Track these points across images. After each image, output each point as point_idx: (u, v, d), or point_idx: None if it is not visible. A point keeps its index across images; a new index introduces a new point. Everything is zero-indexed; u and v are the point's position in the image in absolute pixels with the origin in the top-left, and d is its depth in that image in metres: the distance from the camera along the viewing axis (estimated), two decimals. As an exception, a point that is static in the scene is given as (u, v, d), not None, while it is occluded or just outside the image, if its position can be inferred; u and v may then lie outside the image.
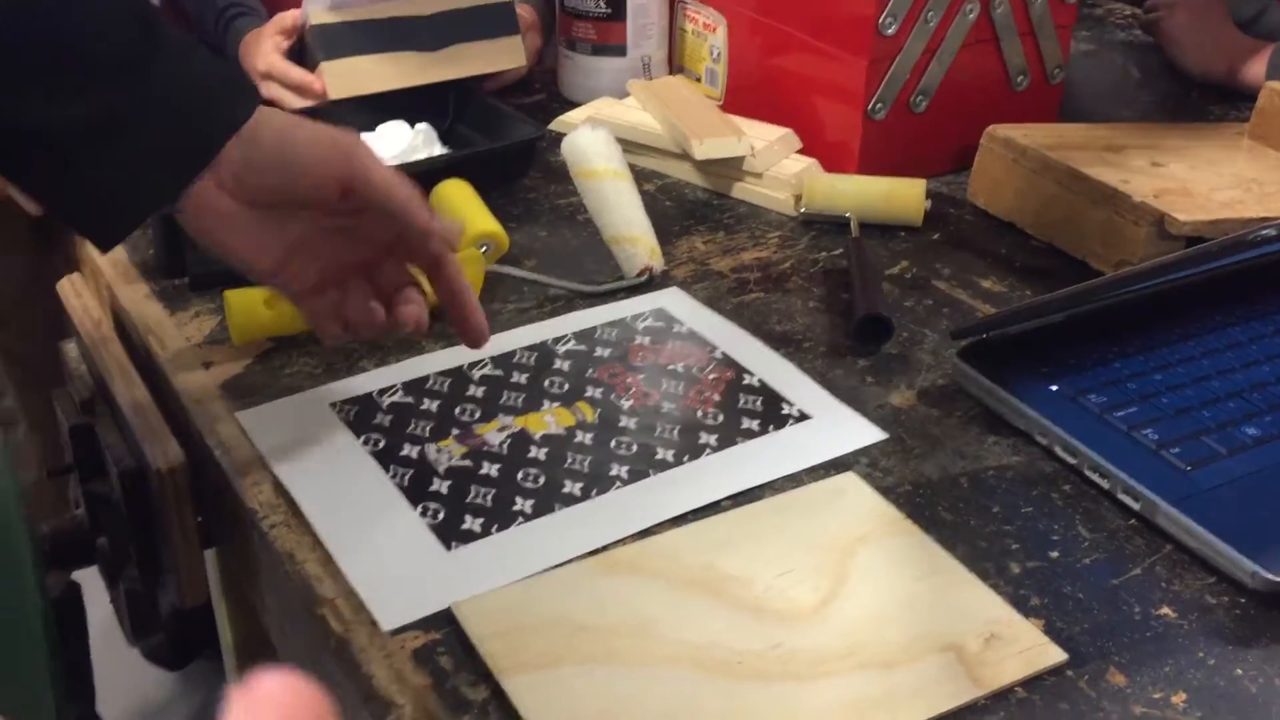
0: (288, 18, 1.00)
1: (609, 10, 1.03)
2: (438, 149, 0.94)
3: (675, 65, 1.09)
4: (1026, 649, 0.52)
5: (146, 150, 0.54)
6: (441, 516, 0.59)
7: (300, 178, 0.57)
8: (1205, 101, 1.13)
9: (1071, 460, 0.63)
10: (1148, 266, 0.72)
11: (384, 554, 0.57)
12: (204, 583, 0.68)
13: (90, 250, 0.82)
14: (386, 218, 0.59)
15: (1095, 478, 0.62)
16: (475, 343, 0.62)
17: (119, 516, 0.67)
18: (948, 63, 0.92)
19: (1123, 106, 1.13)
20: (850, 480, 0.62)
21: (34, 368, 1.16)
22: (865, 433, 0.66)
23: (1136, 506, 0.60)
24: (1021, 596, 0.55)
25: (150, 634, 0.75)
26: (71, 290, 0.78)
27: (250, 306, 0.71)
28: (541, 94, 1.12)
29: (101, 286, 0.80)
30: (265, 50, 0.99)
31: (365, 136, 0.94)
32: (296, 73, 0.98)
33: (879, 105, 0.90)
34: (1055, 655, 0.52)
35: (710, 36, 1.03)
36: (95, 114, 0.52)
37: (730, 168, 0.92)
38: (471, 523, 0.59)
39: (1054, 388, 0.67)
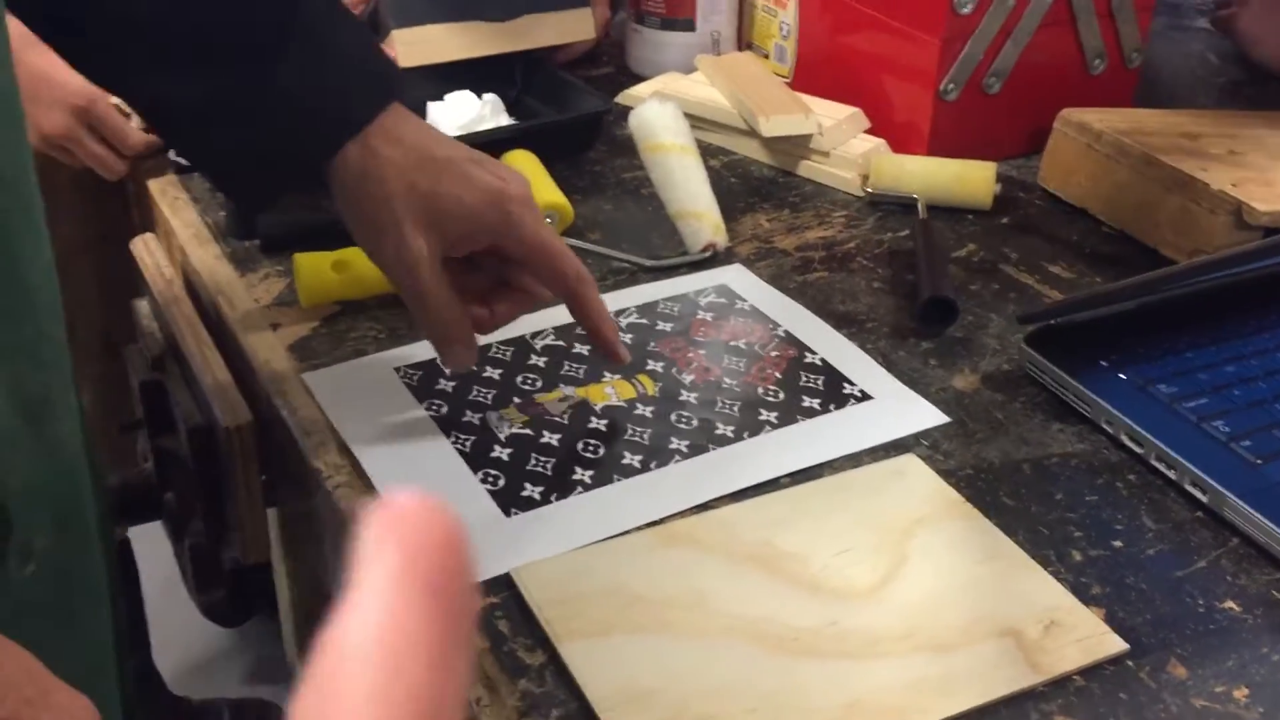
0: None
1: (679, -16, 1.03)
2: (504, 119, 0.95)
3: (744, 41, 1.09)
4: (1086, 637, 0.52)
5: (268, 137, 0.55)
6: (502, 483, 0.60)
7: (448, 222, 0.56)
8: (1287, 90, 1.10)
9: (1138, 449, 0.62)
10: (1224, 255, 0.70)
11: (444, 518, 0.57)
12: (266, 541, 0.69)
13: (164, 211, 0.83)
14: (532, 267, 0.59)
15: (1162, 468, 0.61)
16: (620, 361, 0.64)
17: (186, 472, 0.69)
18: (1023, 43, 0.90)
19: (1200, 93, 1.10)
20: (911, 462, 0.62)
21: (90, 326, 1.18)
22: (927, 415, 0.65)
23: (1204, 498, 0.59)
24: (1083, 585, 0.55)
25: (212, 589, 0.76)
26: (145, 249, 0.79)
27: (319, 270, 0.72)
28: (609, 67, 1.12)
29: (174, 247, 0.81)
30: None
31: (432, 105, 0.94)
32: None
33: (951, 86, 0.89)
34: (1116, 645, 0.51)
35: (780, 13, 1.03)
36: (223, 95, 0.54)
37: (797, 145, 0.91)
38: (531, 490, 0.59)
39: (1122, 376, 0.66)
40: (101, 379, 1.21)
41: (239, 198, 0.59)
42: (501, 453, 0.62)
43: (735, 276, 0.78)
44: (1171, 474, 0.60)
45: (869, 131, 0.93)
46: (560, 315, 0.72)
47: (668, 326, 0.72)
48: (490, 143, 0.86)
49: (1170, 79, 1.13)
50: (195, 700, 1.42)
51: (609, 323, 0.63)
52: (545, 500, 0.59)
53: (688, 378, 0.68)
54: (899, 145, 0.92)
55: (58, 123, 0.98)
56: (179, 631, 1.54)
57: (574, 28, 1.02)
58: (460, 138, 0.90)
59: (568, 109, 0.95)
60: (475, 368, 0.68)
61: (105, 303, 1.17)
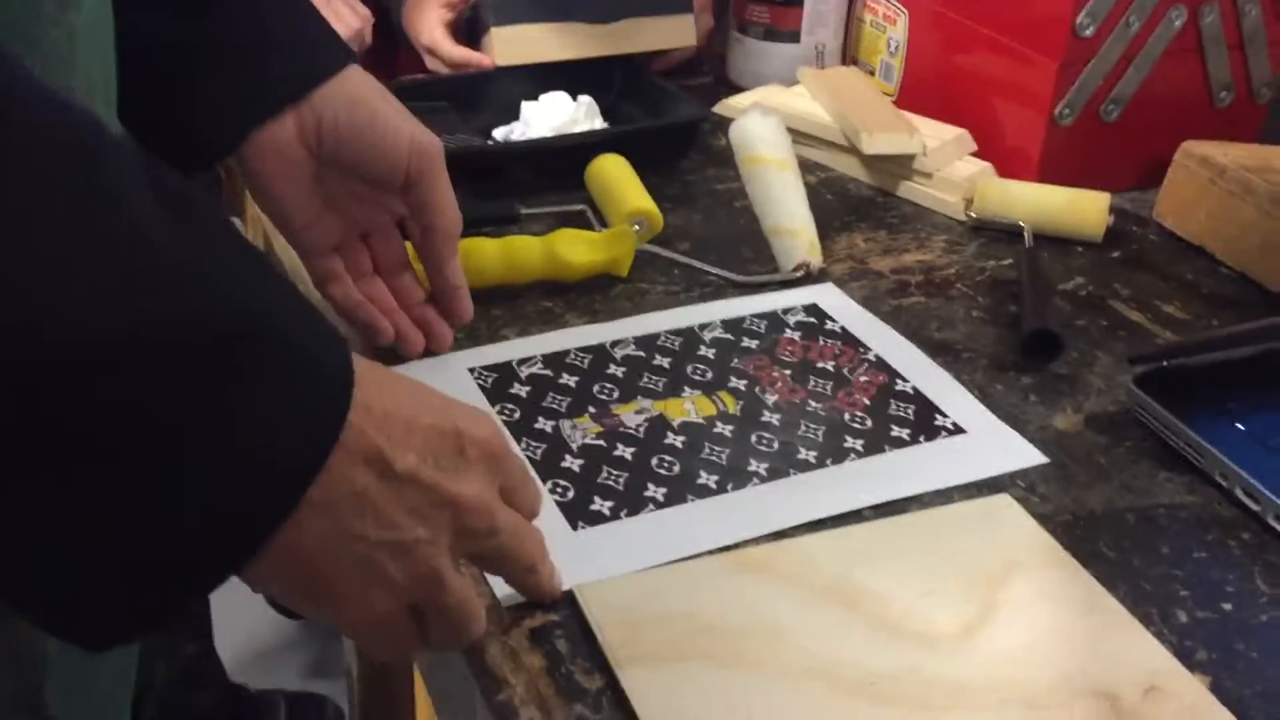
0: None
1: (786, -5, 1.00)
2: (598, 123, 0.93)
3: (849, 56, 1.05)
4: (1190, 705, 0.47)
5: (239, 79, 0.58)
6: (571, 495, 0.57)
7: (378, 159, 0.61)
8: None
9: (1254, 506, 0.58)
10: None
11: (509, 527, 0.55)
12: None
13: (249, 199, 0.82)
14: (422, 215, 0.64)
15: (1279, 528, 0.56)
16: (459, 318, 0.67)
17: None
18: (1146, 71, 0.86)
19: (1331, 135, 1.04)
20: (1005, 503, 0.58)
21: None
22: (1024, 454, 0.62)
23: (1326, 565, 0.54)
24: (1187, 648, 0.51)
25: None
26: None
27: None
28: (709, 77, 1.09)
29: (259, 233, 0.80)
30: (430, 22, 0.99)
31: (526, 105, 0.93)
32: (459, 53, 0.97)
33: (1066, 111, 0.85)
34: (1222, 716, 0.47)
35: (889, 29, 0.99)
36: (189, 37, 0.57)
37: (899, 165, 0.88)
38: (601, 504, 0.57)
39: (1240, 426, 0.61)
40: None
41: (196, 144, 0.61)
42: (573, 463, 0.59)
43: (827, 296, 0.75)
44: (1291, 535, 0.56)
45: (976, 155, 0.89)
46: (641, 326, 0.70)
47: (753, 344, 0.69)
48: (582, 146, 0.85)
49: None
50: (253, 689, 1.42)
51: (464, 291, 0.66)
52: (615, 516, 0.56)
53: (771, 398, 0.65)
54: (1007, 171, 0.88)
55: None
56: (242, 619, 1.54)
57: (675, 34, 0.99)
58: (554, 139, 0.88)
59: (664, 116, 0.93)
60: (551, 373, 0.65)
61: None
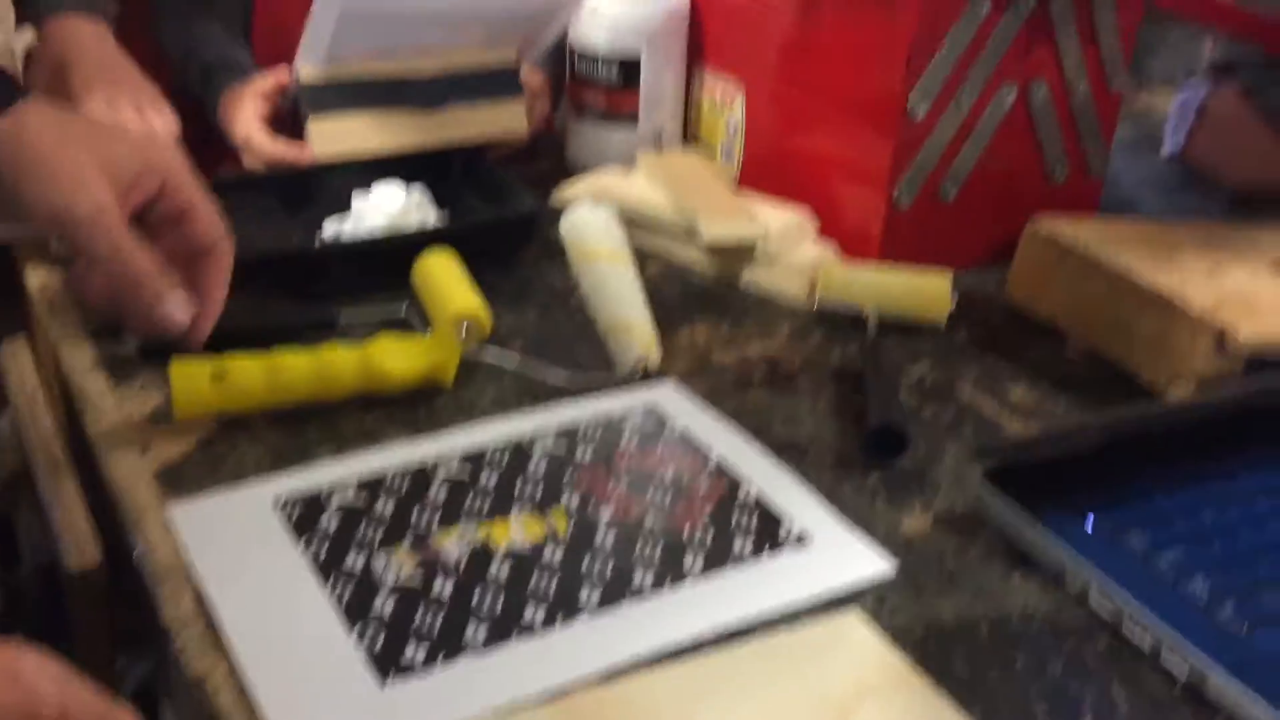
0: (267, 81, 0.94)
1: (622, 79, 0.97)
2: (431, 215, 0.88)
3: (691, 136, 1.03)
4: None
5: None
6: (380, 643, 0.51)
7: (121, 161, 0.56)
8: (1257, 209, 1.06)
9: (1109, 608, 0.55)
10: (1204, 403, 0.64)
11: (310, 687, 0.49)
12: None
13: (40, 309, 0.76)
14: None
15: (1135, 634, 0.54)
16: (195, 338, 0.59)
17: (33, 612, 0.60)
18: (980, 149, 0.85)
19: (1167, 205, 1.05)
20: (852, 624, 0.54)
21: None
22: (871, 563, 0.58)
23: (1184, 673, 0.52)
24: (1047, 778, 0.47)
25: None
26: (11, 357, 0.71)
27: (195, 379, 0.64)
28: (547, 161, 1.06)
29: (46, 351, 0.73)
30: (245, 116, 0.93)
31: (357, 197, 0.88)
32: (275, 148, 0.92)
33: (904, 191, 0.83)
34: None
35: (728, 109, 0.97)
36: None
37: (740, 253, 0.85)
38: (414, 652, 0.51)
39: (1090, 521, 0.59)
40: None
41: None
42: (384, 604, 0.54)
43: (666, 397, 0.71)
44: (1146, 641, 0.53)
45: (821, 235, 0.87)
46: (468, 441, 0.65)
47: (587, 455, 0.65)
48: (406, 245, 0.80)
49: (1135, 185, 1.08)
50: None
51: (219, 300, 0.60)
52: (430, 661, 0.51)
53: (605, 515, 0.60)
54: (850, 251, 0.86)
55: None
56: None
57: (505, 120, 0.96)
58: (370, 241, 0.83)
59: (504, 206, 0.89)
60: (365, 501, 0.60)
61: None
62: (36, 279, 0.78)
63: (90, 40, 0.93)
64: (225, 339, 0.67)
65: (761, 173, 0.95)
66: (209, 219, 0.59)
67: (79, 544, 0.56)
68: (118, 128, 0.58)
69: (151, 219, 0.58)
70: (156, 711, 0.75)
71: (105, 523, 0.61)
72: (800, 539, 0.59)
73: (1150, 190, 1.08)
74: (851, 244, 0.86)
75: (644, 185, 0.91)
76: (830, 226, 0.87)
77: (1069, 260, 0.78)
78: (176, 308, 0.57)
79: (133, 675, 1.49)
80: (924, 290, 0.80)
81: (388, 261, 0.79)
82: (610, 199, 0.87)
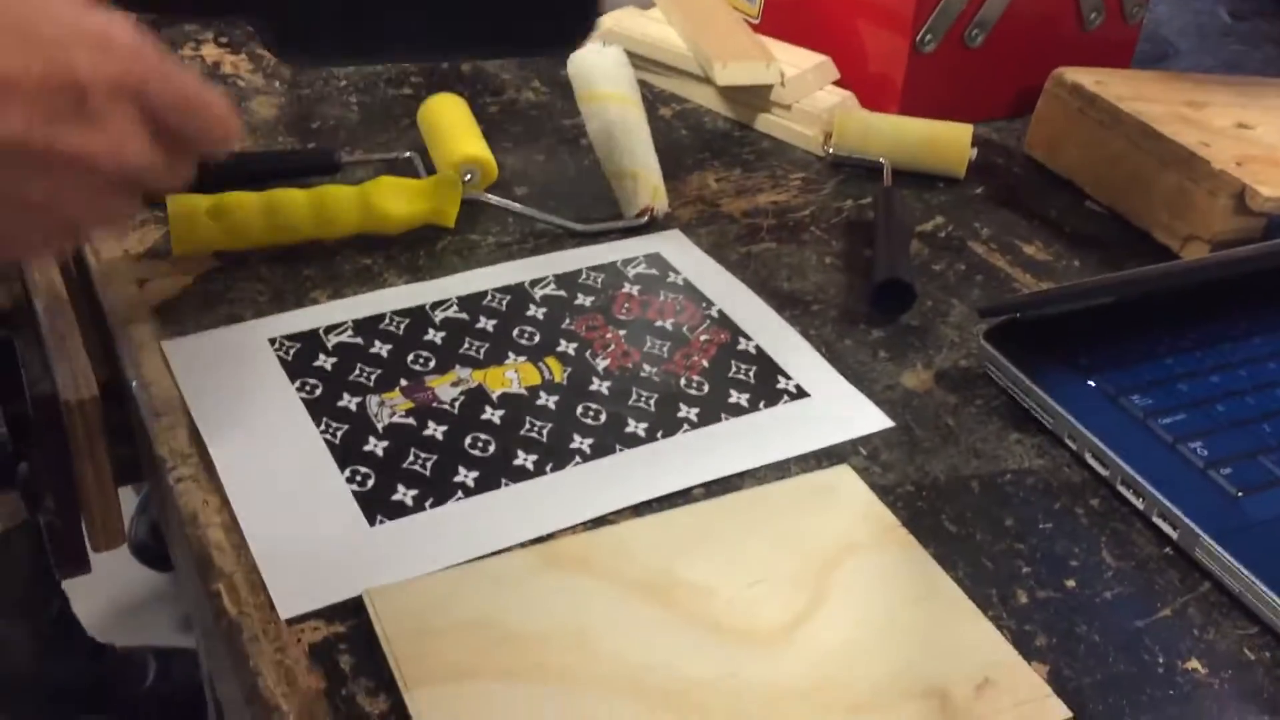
0: None
1: (641, -91, 0.93)
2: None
3: (712, -24, 0.99)
4: (1024, 702, 0.44)
5: None
6: (371, 484, 0.52)
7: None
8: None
9: (1103, 471, 0.54)
10: (1217, 259, 0.62)
11: (297, 525, 0.50)
12: (118, 526, 0.61)
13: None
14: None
15: (1129, 494, 0.53)
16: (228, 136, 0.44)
17: (36, 443, 0.61)
18: (1012, -7, 0.81)
19: (1208, 55, 1.01)
20: (843, 476, 0.54)
21: None
22: (869, 418, 0.58)
23: (1173, 535, 0.51)
24: (1026, 634, 0.47)
25: (77, 570, 0.69)
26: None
27: (193, 214, 0.63)
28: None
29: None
30: None
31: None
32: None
33: (928, 37, 0.80)
34: (1057, 712, 0.44)
35: (751, -54, 0.93)
36: None
37: (756, 96, 0.82)
38: (404, 494, 0.51)
39: (1092, 383, 0.58)
40: None
41: None
42: (376, 446, 0.54)
43: (671, 245, 0.69)
44: (1139, 503, 0.53)
45: (839, 83, 0.84)
46: (467, 284, 0.64)
47: (588, 301, 0.64)
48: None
49: (1175, 37, 1.04)
50: (119, 648, 1.36)
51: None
52: (419, 506, 0.51)
53: (602, 363, 0.60)
54: (871, 100, 0.83)
55: None
56: (105, 577, 1.47)
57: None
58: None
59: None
60: (362, 341, 0.60)
61: None
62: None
63: None
64: (225, 179, 0.67)
65: (785, 15, 0.91)
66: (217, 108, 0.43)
67: (76, 374, 0.56)
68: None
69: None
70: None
71: (105, 357, 0.61)
72: (798, 393, 0.59)
73: (1193, 39, 1.04)
74: (873, 91, 0.83)
75: (662, 24, 0.88)
76: (852, 73, 0.84)
77: (1090, 112, 0.75)
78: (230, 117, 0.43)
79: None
80: (943, 140, 0.77)
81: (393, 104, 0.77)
82: (625, 39, 0.84)
